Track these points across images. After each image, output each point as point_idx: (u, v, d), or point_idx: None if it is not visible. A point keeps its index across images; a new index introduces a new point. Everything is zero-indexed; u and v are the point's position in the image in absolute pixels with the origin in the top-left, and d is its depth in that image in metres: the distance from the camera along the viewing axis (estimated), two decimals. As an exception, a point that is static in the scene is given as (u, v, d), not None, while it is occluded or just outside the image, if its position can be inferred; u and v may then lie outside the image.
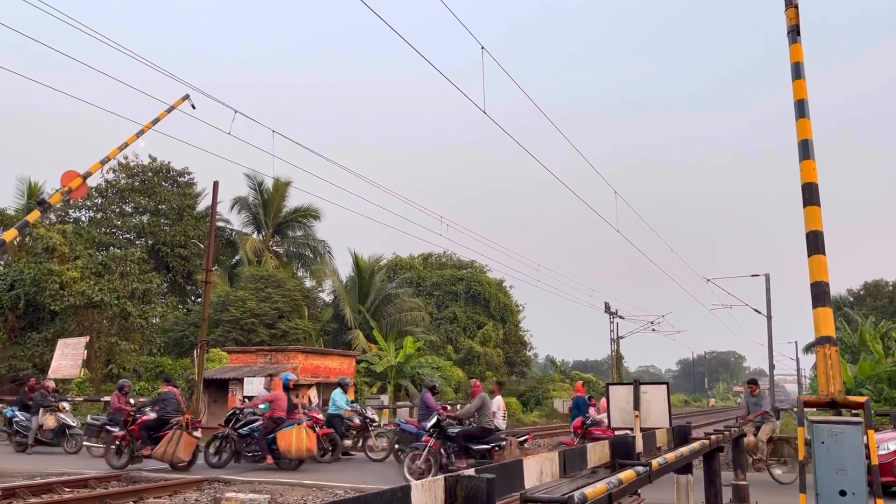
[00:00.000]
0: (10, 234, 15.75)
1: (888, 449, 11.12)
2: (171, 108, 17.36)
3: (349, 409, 18.55)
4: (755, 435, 13.84)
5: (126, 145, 16.71)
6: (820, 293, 7.40)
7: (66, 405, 18.94)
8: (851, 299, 71.39)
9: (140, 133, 16.88)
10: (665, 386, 8.20)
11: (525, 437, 12.99)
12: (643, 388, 8.02)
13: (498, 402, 14.15)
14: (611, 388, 8.48)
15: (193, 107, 17.66)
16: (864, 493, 6.61)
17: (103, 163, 16.26)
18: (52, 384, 19.28)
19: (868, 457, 6.91)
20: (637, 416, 7.85)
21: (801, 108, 7.69)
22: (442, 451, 12.94)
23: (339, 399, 18.31)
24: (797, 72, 7.78)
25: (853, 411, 11.22)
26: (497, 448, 12.41)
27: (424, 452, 12.71)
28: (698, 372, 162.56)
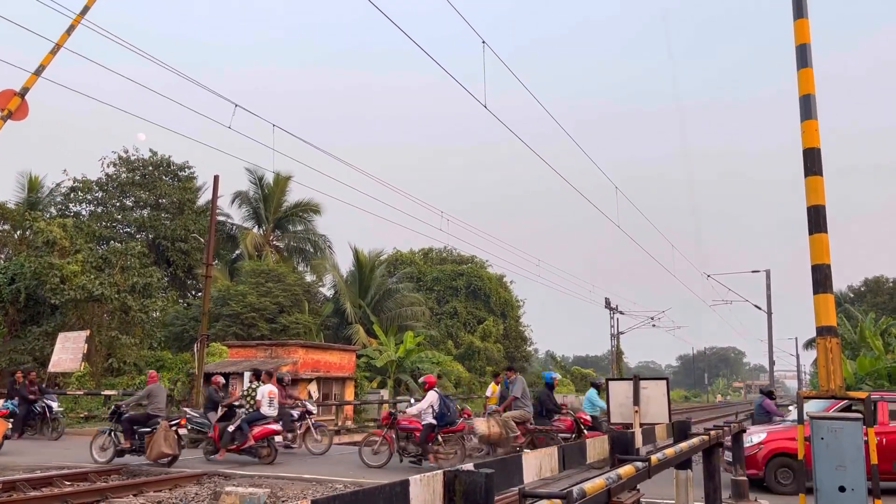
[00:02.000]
0: None
1: (751, 442, 11.02)
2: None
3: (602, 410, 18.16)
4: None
5: (58, 47, 16.37)
6: (821, 277, 7.06)
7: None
8: (852, 295, 71.45)
9: (70, 29, 16.54)
10: (665, 381, 8.23)
11: (178, 421, 14.86)
12: (643, 383, 8.05)
13: (263, 391, 15.63)
14: (611, 383, 8.51)
15: None
16: (863, 489, 6.61)
17: (38, 73, 15.99)
18: (222, 379, 19.31)
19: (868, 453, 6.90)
20: (637, 411, 7.87)
21: (803, 58, 7.67)
22: (119, 434, 14.86)
23: (595, 400, 17.69)
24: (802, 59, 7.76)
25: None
26: (152, 432, 14.17)
27: (105, 435, 14.88)
28: (698, 367, 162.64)
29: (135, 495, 11.56)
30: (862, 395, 7.13)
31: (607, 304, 53.19)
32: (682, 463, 6.74)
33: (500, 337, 51.22)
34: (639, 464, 4.40)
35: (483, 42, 12.94)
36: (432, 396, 14.41)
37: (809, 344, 59.06)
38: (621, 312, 54.88)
